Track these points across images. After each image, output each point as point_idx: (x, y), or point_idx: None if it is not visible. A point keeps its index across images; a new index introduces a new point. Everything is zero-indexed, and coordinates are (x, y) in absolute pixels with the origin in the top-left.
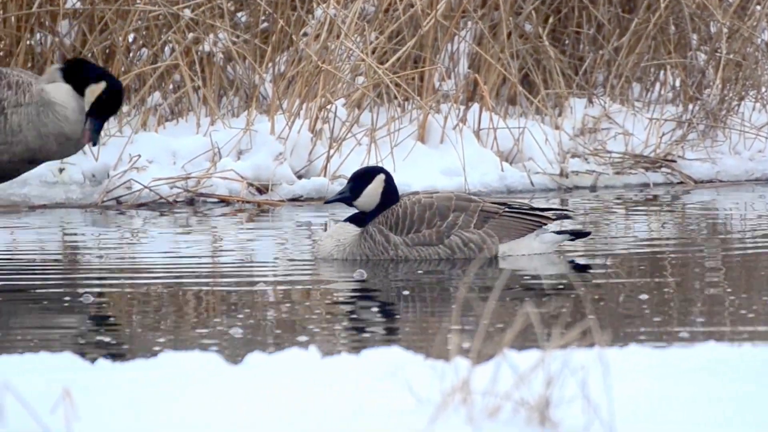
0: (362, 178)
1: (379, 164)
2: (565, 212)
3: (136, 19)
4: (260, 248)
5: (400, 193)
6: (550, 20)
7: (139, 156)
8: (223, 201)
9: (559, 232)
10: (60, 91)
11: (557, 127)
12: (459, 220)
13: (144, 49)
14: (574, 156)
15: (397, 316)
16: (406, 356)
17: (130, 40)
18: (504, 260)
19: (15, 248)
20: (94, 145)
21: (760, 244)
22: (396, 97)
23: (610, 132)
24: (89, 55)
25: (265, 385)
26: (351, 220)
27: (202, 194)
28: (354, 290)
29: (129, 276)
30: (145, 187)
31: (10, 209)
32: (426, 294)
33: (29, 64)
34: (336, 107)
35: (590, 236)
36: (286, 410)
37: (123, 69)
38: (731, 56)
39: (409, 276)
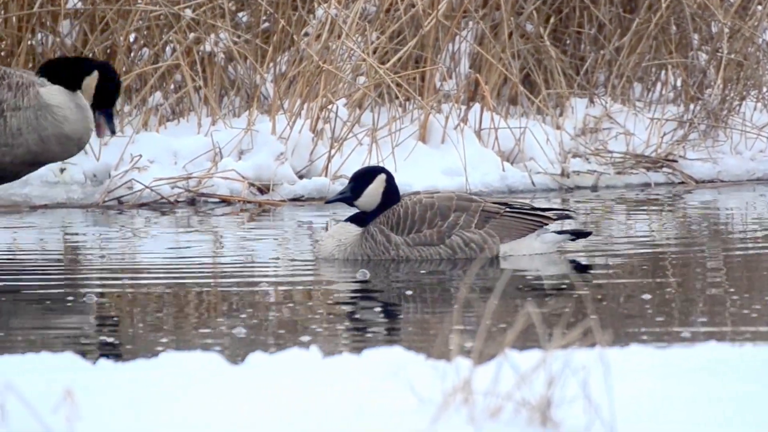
0: (363, 178)
1: (381, 164)
2: (566, 212)
3: (137, 19)
4: (261, 248)
5: (401, 193)
6: (552, 20)
7: (141, 156)
8: (225, 201)
9: (559, 232)
10: (54, 93)
11: (558, 127)
12: (460, 220)
13: (145, 49)
14: (575, 156)
15: (399, 316)
16: (408, 356)
17: (131, 40)
18: (505, 260)
19: (17, 248)
20: (113, 133)
21: (761, 244)
22: (397, 97)
23: (611, 132)
24: (90, 55)
25: (267, 385)
26: (352, 220)
27: (203, 194)
28: (355, 290)
29: (130, 276)
30: (147, 187)
31: (11, 209)
32: (427, 294)
33: (30, 65)
34: (337, 107)
35: (591, 236)
36: (287, 410)
37: (124, 69)
38: (732, 56)
39: (411, 276)
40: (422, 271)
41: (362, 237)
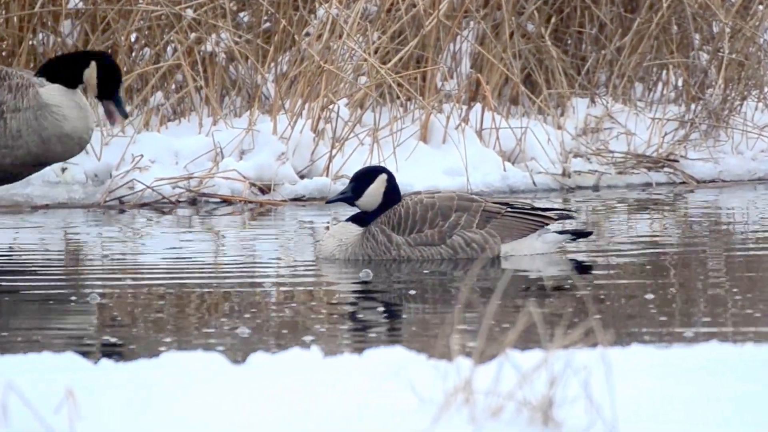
0: (364, 177)
1: (382, 164)
2: (567, 212)
3: (138, 19)
4: (262, 248)
5: (402, 193)
6: (553, 20)
7: (142, 156)
8: (226, 201)
9: (560, 232)
10: (53, 93)
11: (559, 127)
12: (461, 220)
13: (146, 49)
14: (576, 156)
15: (400, 316)
16: (409, 356)
17: (133, 39)
18: (506, 260)
19: (18, 248)
20: (126, 117)
21: (762, 245)
22: (398, 97)
23: (612, 132)
24: None
25: (268, 385)
26: (353, 219)
27: (204, 194)
28: (356, 290)
29: (132, 276)
30: (148, 187)
31: (12, 209)
32: (428, 294)
33: (32, 65)
34: (338, 107)
35: (592, 236)
36: (288, 410)
37: (125, 69)
38: (734, 56)
39: (412, 276)
40: (425, 271)
41: (363, 237)
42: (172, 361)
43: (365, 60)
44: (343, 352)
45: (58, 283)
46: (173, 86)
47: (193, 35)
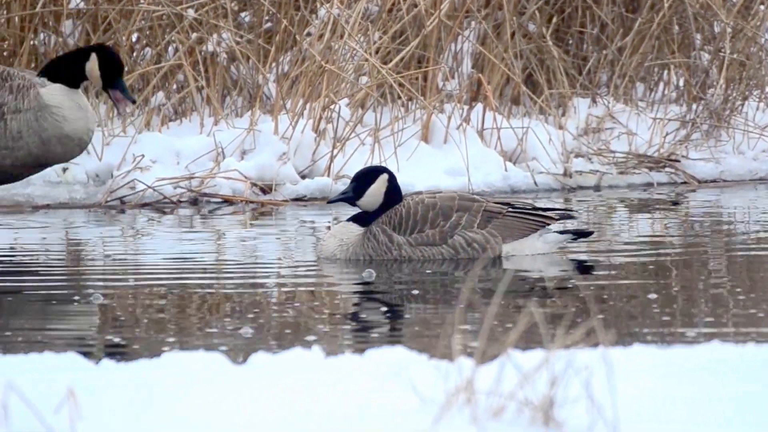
0: (365, 177)
1: (383, 164)
2: (568, 212)
3: (139, 19)
4: (264, 248)
5: (403, 193)
6: (554, 20)
7: (143, 156)
8: (227, 201)
9: (562, 232)
10: (54, 93)
11: (561, 127)
12: (462, 220)
13: (147, 49)
14: (577, 156)
15: (401, 316)
16: (410, 356)
17: (134, 39)
18: (507, 260)
19: (19, 248)
20: (134, 102)
21: (763, 245)
22: (399, 97)
23: (613, 132)
24: None
25: (269, 385)
26: (354, 219)
27: (205, 194)
28: (358, 290)
29: (134, 276)
30: (149, 187)
31: (13, 209)
32: (430, 294)
33: (33, 65)
34: (339, 107)
35: (594, 236)
36: (290, 410)
37: (127, 69)
38: (735, 56)
39: (413, 276)
40: (426, 271)
41: (364, 237)
42: (173, 361)
43: (366, 60)
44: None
45: (60, 284)
46: (174, 86)
47: (194, 35)
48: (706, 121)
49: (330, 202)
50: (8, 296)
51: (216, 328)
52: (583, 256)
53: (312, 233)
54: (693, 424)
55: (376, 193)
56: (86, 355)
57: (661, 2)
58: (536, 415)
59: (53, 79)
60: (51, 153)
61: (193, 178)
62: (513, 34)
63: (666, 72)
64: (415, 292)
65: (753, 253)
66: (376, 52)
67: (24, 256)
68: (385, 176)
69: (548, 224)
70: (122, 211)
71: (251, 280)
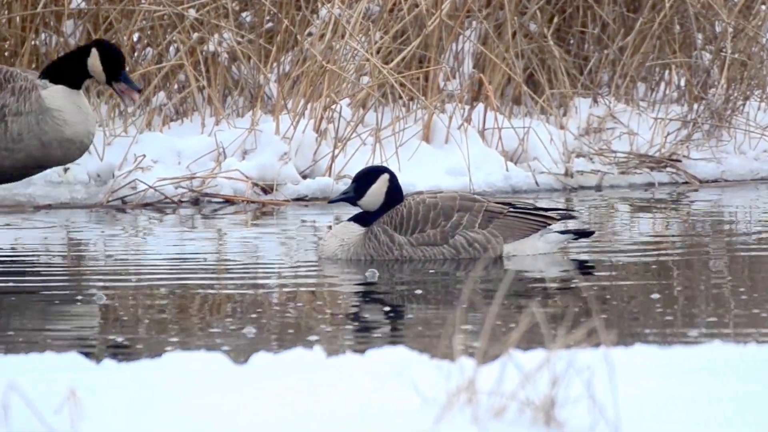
0: (366, 177)
1: (384, 164)
2: (570, 212)
3: (140, 19)
4: (265, 248)
5: (404, 192)
6: (555, 20)
7: (144, 156)
8: (228, 201)
9: (563, 232)
10: (55, 96)
11: (562, 127)
12: (463, 220)
13: (149, 49)
14: (579, 156)
15: (403, 316)
16: (412, 356)
17: (135, 39)
18: (509, 260)
19: (21, 248)
20: (140, 92)
21: (765, 245)
22: (401, 97)
23: (615, 132)
24: None
25: (271, 385)
26: (355, 219)
27: (206, 194)
28: (359, 290)
29: (135, 276)
30: (150, 187)
31: (15, 209)
32: (431, 294)
33: (34, 65)
34: (341, 107)
35: (595, 236)
36: (291, 410)
37: (128, 69)
38: (736, 56)
39: (414, 276)
40: (428, 271)
41: (365, 237)
42: (175, 361)
43: (368, 60)
44: (345, 352)
45: (61, 284)
46: (176, 86)
47: (195, 35)
48: (707, 121)
49: (331, 202)
50: (9, 296)
51: (217, 328)
52: (584, 256)
53: (313, 233)
54: (694, 424)
55: (377, 193)
56: (87, 355)
57: (663, 2)
58: (538, 415)
59: (55, 81)
60: (51, 156)
61: (194, 178)
62: (514, 34)
63: (667, 72)
64: (418, 291)
65: (754, 253)
66: (378, 52)
67: (25, 256)
68: (386, 176)
69: (549, 224)
70: (123, 211)
71: (252, 280)
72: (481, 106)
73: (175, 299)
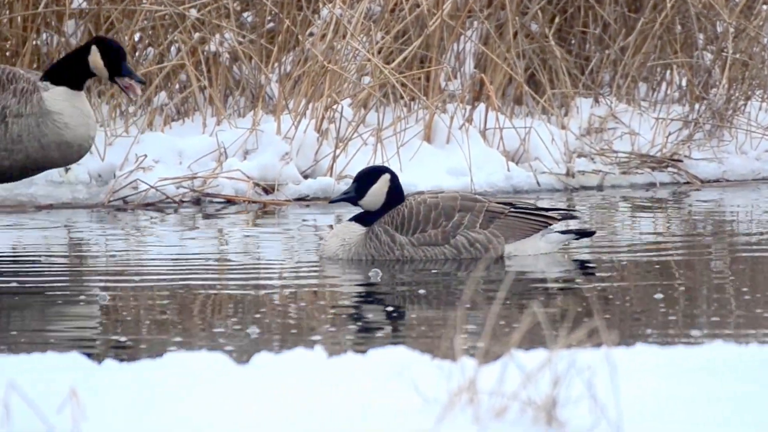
0: (367, 177)
1: (385, 164)
2: (571, 212)
3: (142, 19)
4: (266, 248)
5: (405, 192)
6: (556, 20)
7: (146, 156)
8: (230, 201)
9: (564, 232)
10: (57, 98)
11: (563, 127)
12: (464, 220)
13: (150, 49)
14: (580, 156)
15: (404, 316)
16: (413, 356)
17: (136, 39)
18: (510, 260)
19: (22, 248)
20: (143, 83)
21: (766, 245)
22: (402, 97)
23: (616, 132)
24: None
25: (272, 385)
26: (356, 219)
27: (208, 194)
28: (360, 290)
29: (136, 276)
30: (152, 187)
31: (16, 209)
32: (432, 294)
33: (35, 65)
34: (342, 107)
35: (596, 236)
36: (292, 410)
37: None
38: (738, 56)
39: (415, 276)
40: (429, 271)
41: (366, 237)
42: (176, 361)
43: (369, 60)
44: (346, 352)
45: (62, 284)
46: (177, 86)
47: (196, 35)
48: (708, 121)
49: (332, 201)
50: (11, 296)
51: (219, 327)
52: (585, 256)
53: (314, 233)
54: (696, 424)
55: (378, 193)
56: (89, 355)
57: (664, 2)
58: (539, 415)
59: (56, 82)
60: (49, 158)
61: (195, 178)
62: (515, 34)
63: (668, 72)
64: (421, 291)
65: (756, 254)
66: (379, 52)
67: (27, 256)
68: (387, 176)
69: (550, 224)
70: (125, 211)
71: (254, 281)
72: (482, 106)
73: (177, 299)
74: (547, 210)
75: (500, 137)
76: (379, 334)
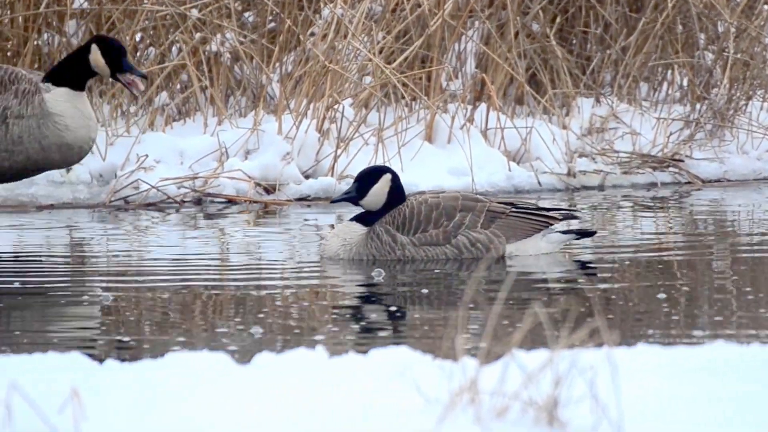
0: (368, 177)
1: (387, 164)
2: (572, 212)
3: (143, 19)
4: (268, 248)
5: (406, 192)
6: (558, 20)
7: (147, 156)
8: (231, 201)
9: (565, 232)
10: (58, 100)
11: (565, 127)
12: (466, 220)
13: (151, 49)
14: (581, 156)
15: (405, 316)
16: (414, 356)
17: (138, 39)
18: (511, 260)
19: (23, 248)
20: (145, 78)
21: (767, 246)
22: (403, 97)
23: (617, 132)
24: None
25: (273, 386)
26: (357, 219)
27: (209, 194)
28: (361, 290)
29: (138, 276)
30: (153, 187)
31: (17, 209)
32: (433, 294)
33: (36, 65)
34: (343, 107)
35: (597, 236)
36: (294, 410)
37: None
38: (739, 56)
39: (416, 276)
40: (430, 271)
41: (367, 237)
42: (178, 361)
43: (370, 60)
44: (348, 352)
45: (64, 284)
46: (178, 86)
47: (198, 35)
48: (709, 121)
49: (333, 201)
50: (13, 296)
51: (220, 328)
52: (586, 256)
53: (315, 233)
54: (697, 424)
55: (379, 192)
56: (90, 355)
57: (665, 2)
58: (540, 415)
59: (58, 83)
60: (50, 159)
61: (196, 178)
62: (516, 34)
63: (670, 72)
64: (419, 292)
65: (757, 254)
66: (380, 52)
67: (28, 256)
68: (388, 176)
69: (552, 224)
70: (126, 211)
71: (255, 281)
72: (483, 106)
73: (178, 299)
74: (549, 210)
75: (501, 137)
76: (381, 334)
